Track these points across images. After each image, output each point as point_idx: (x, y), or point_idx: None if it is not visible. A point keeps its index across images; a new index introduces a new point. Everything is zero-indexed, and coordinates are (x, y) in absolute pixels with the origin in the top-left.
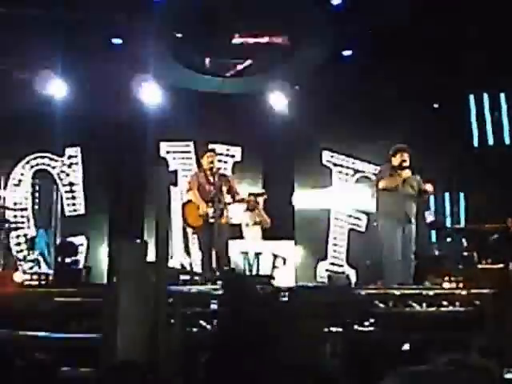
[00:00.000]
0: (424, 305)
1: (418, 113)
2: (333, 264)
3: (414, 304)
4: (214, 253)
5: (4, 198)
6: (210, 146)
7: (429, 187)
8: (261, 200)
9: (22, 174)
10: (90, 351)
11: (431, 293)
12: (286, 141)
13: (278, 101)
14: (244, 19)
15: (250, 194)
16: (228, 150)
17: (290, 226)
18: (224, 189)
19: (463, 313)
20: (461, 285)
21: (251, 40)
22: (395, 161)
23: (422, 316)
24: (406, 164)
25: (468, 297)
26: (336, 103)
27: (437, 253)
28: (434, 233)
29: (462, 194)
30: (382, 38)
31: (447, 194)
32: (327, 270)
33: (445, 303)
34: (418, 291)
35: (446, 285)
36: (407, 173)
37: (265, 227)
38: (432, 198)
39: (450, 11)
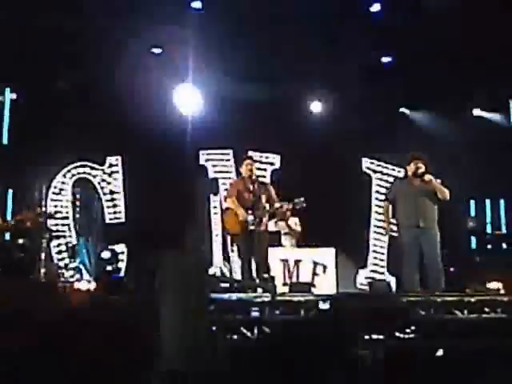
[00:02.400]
0: (465, 312)
1: (456, 119)
2: (373, 271)
3: (456, 311)
4: (253, 260)
5: (45, 207)
6: (249, 154)
7: (443, 194)
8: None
9: (63, 183)
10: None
11: (473, 299)
12: (324, 147)
13: (318, 108)
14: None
15: (289, 202)
16: (267, 157)
17: (331, 234)
18: (263, 197)
19: (505, 319)
20: (502, 291)
21: None
22: (410, 169)
23: (463, 323)
24: (421, 171)
25: (510, 303)
26: (374, 110)
27: (478, 259)
28: (474, 239)
29: (502, 201)
30: (421, 44)
31: (488, 201)
32: (367, 278)
33: (486, 310)
34: (459, 298)
35: (487, 291)
36: (426, 178)
37: (296, 237)
38: (473, 204)
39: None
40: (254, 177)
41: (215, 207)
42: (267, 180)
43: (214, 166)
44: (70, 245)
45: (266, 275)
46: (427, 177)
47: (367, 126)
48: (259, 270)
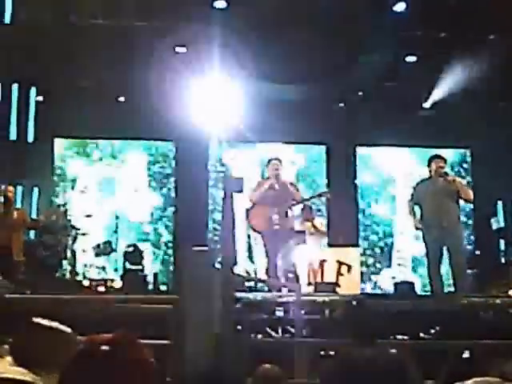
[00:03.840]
0: (491, 313)
1: (482, 115)
2: (398, 272)
3: (481, 312)
4: (279, 259)
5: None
6: (274, 153)
7: (466, 195)
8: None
9: (88, 181)
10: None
11: (498, 301)
12: (348, 146)
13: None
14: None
15: (312, 197)
16: (292, 156)
17: (356, 233)
18: (288, 196)
19: None
20: None
21: None
22: (432, 169)
23: (487, 324)
24: (443, 170)
25: None
26: (399, 108)
27: (503, 260)
28: (502, 240)
29: None
30: (444, 43)
31: None
32: (393, 278)
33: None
34: (484, 299)
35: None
36: (449, 178)
37: (322, 239)
38: (500, 204)
39: None
40: (279, 176)
41: (240, 206)
42: (292, 179)
43: (239, 164)
44: (95, 243)
45: (291, 275)
46: (451, 177)
47: (390, 123)
48: (284, 269)
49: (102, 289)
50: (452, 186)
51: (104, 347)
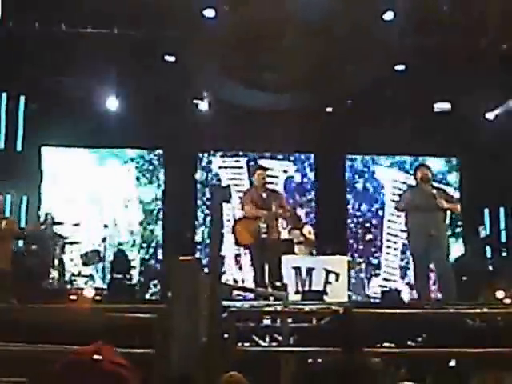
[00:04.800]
0: (478, 321)
1: (469, 125)
2: (386, 280)
3: (468, 320)
4: (266, 268)
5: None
6: (261, 162)
7: (454, 209)
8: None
9: (76, 190)
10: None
11: (485, 309)
12: (337, 154)
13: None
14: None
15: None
16: (280, 165)
17: (344, 242)
18: (275, 205)
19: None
20: (508, 300)
21: None
22: (418, 177)
23: (475, 332)
24: (428, 177)
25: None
26: (387, 117)
27: (491, 268)
28: (489, 248)
29: None
30: (434, 51)
31: (502, 209)
32: (380, 286)
33: (499, 319)
34: (471, 307)
35: (500, 299)
36: (436, 192)
37: (310, 246)
38: (487, 212)
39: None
40: (266, 185)
41: (228, 215)
42: (279, 188)
43: (227, 173)
44: (82, 252)
45: (278, 283)
46: (441, 193)
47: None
48: (271, 278)
49: (88, 297)
50: (438, 196)
51: (82, 359)
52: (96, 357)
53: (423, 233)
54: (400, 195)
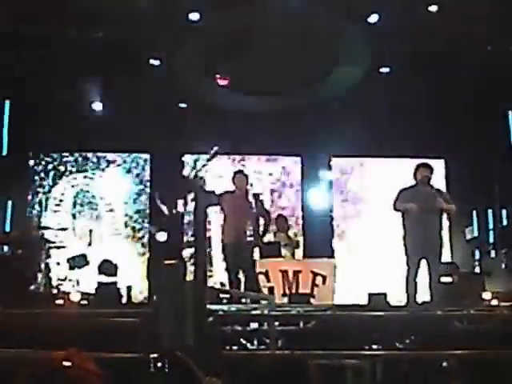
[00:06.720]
0: (465, 322)
1: (456, 127)
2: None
3: (456, 322)
4: (241, 272)
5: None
6: (247, 163)
7: (450, 210)
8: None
9: (62, 194)
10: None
11: (472, 311)
12: (323, 157)
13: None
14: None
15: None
16: (265, 167)
17: (330, 245)
18: (256, 208)
19: (505, 330)
20: (494, 301)
21: None
22: (417, 177)
23: (463, 334)
24: (429, 178)
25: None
26: (374, 119)
27: (478, 270)
28: (476, 250)
29: (504, 211)
30: (418, 54)
31: (490, 211)
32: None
33: (487, 320)
34: (459, 309)
35: (488, 301)
36: (436, 192)
37: (294, 249)
38: (474, 214)
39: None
40: (246, 188)
41: (213, 219)
42: (260, 190)
43: (210, 177)
44: (69, 256)
45: (264, 287)
46: (440, 193)
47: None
48: (246, 281)
49: (75, 302)
50: (435, 197)
51: (52, 365)
52: (65, 363)
53: (420, 235)
54: (398, 194)
